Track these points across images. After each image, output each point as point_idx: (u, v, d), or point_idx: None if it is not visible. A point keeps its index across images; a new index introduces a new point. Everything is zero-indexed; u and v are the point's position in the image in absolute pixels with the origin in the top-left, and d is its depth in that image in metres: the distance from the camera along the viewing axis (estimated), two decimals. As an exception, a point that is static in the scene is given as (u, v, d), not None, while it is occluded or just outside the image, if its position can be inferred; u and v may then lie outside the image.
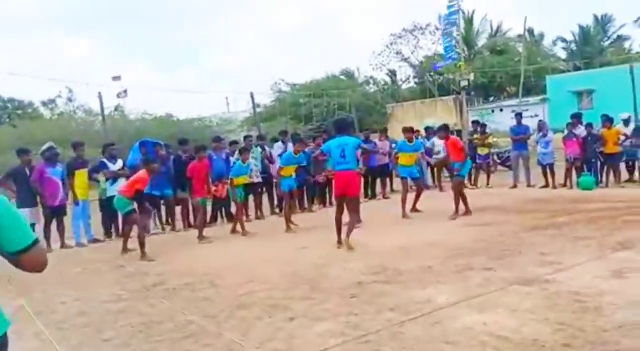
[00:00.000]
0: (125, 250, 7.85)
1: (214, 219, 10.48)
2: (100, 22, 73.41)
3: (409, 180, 9.90)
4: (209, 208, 10.08)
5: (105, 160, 9.51)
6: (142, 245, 7.40)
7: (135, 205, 7.72)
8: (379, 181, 12.86)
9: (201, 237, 8.43)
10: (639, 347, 3.26)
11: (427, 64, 35.50)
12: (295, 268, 5.98)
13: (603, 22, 40.58)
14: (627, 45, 40.07)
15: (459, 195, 8.86)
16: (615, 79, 20.44)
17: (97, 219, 9.66)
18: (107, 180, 9.34)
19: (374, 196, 12.57)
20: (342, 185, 7.00)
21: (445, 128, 9.56)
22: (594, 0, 54.95)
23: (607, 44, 40.89)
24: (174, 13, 78.26)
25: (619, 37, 40.59)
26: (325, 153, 7.35)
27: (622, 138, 11.44)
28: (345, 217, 7.07)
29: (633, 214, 7.85)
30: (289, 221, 8.94)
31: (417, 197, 9.85)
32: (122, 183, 8.70)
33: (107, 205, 9.33)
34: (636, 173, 11.63)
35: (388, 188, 13.05)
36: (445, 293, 4.60)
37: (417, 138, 10.82)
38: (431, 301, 4.41)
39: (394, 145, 12.95)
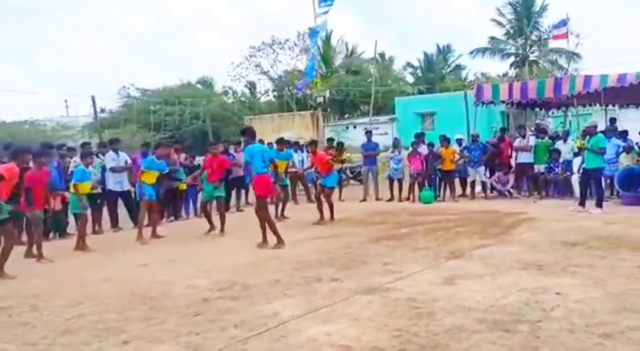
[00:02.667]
0: None
1: (46, 235, 9.36)
2: None
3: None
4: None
5: None
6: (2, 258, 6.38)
7: None
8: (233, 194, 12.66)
9: (40, 255, 7.32)
10: (464, 348, 3.50)
11: (287, 78, 36.19)
12: (134, 286, 5.53)
13: (444, 52, 45.09)
14: (463, 73, 45.00)
15: (329, 203, 9.77)
16: (452, 104, 22.73)
17: None
18: None
19: (227, 209, 12.27)
20: (267, 186, 7.60)
21: (314, 143, 10.92)
22: (437, 31, 61.09)
23: (447, 71, 45.45)
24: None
25: (457, 66, 45.43)
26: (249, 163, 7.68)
27: (457, 156, 12.68)
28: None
29: (464, 225, 8.68)
30: (142, 231, 8.71)
31: (284, 203, 10.46)
32: None
33: None
34: (468, 189, 12.92)
35: (242, 201, 12.90)
36: (291, 306, 4.58)
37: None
38: (277, 315, 4.35)
39: None
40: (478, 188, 12.85)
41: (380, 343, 3.64)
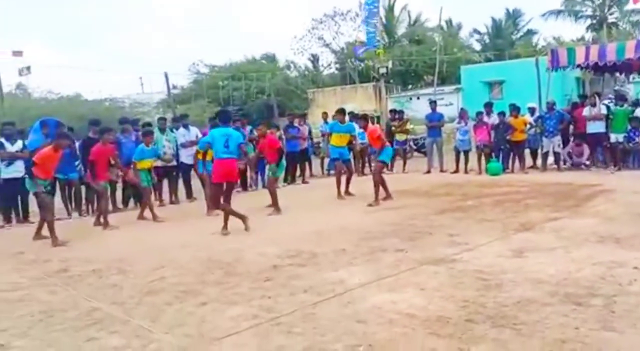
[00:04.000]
0: (38, 235, 7.27)
1: (125, 204, 10.05)
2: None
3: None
4: (119, 193, 9.76)
5: (2, 140, 8.77)
6: (51, 229, 6.94)
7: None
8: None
9: (106, 224, 7.95)
10: (534, 320, 3.46)
11: (349, 50, 35.85)
12: (210, 253, 5.84)
13: (514, 16, 42.86)
14: (535, 39, 42.63)
15: (378, 181, 8.89)
16: (523, 71, 21.69)
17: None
18: (2, 161, 8.63)
19: (293, 180, 12.55)
20: (224, 172, 7.15)
21: (364, 117, 9.97)
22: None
23: (517, 36, 43.25)
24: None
25: (528, 31, 43.06)
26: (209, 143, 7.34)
27: (528, 126, 12.20)
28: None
29: (534, 197, 8.41)
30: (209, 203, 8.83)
31: (348, 180, 9.86)
32: (21, 165, 8.19)
33: (5, 189, 8.66)
34: (539, 160, 12.44)
35: (307, 173, 13.11)
36: (357, 274, 4.68)
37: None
38: (343, 282, 4.46)
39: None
40: (550, 159, 12.34)
41: (447, 312, 3.66)
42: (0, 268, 5.80)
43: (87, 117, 12.45)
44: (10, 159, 8.60)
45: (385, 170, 9.88)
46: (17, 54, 24.33)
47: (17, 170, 8.46)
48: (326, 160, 13.69)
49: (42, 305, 4.40)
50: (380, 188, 8.91)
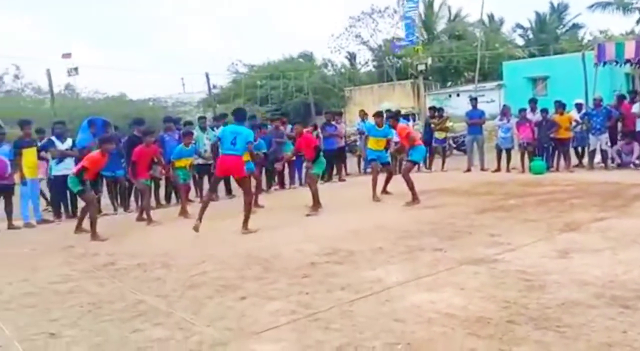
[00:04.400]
0: (79, 229, 7.63)
1: (168, 200, 10.32)
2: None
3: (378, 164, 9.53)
4: (162, 190, 10.05)
5: (53, 138, 9.16)
6: (93, 224, 7.23)
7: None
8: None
9: (149, 219, 8.20)
10: (579, 323, 3.37)
11: (387, 47, 35.57)
12: (249, 249, 5.94)
13: (559, 10, 41.52)
14: (581, 33, 41.16)
15: (407, 181, 8.60)
16: (568, 66, 20.98)
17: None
18: (53, 158, 9.01)
19: (329, 178, 12.55)
20: (226, 167, 7.30)
21: (393, 116, 9.64)
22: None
23: (562, 31, 41.88)
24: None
25: (574, 25, 41.61)
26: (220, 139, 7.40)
27: (574, 123, 11.82)
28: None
29: (580, 197, 8.15)
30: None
31: (387, 180, 9.65)
32: (70, 162, 8.60)
33: (56, 185, 9.03)
34: (585, 159, 12.04)
35: (343, 171, 13.10)
36: (394, 273, 4.66)
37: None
38: (381, 281, 4.45)
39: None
40: (597, 158, 11.92)
41: (488, 313, 3.60)
42: (51, 261, 6.07)
43: (132, 116, 12.81)
44: (61, 157, 8.98)
45: (423, 168, 9.74)
46: (66, 56, 25.37)
47: (67, 167, 8.81)
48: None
49: (90, 297, 4.58)
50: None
